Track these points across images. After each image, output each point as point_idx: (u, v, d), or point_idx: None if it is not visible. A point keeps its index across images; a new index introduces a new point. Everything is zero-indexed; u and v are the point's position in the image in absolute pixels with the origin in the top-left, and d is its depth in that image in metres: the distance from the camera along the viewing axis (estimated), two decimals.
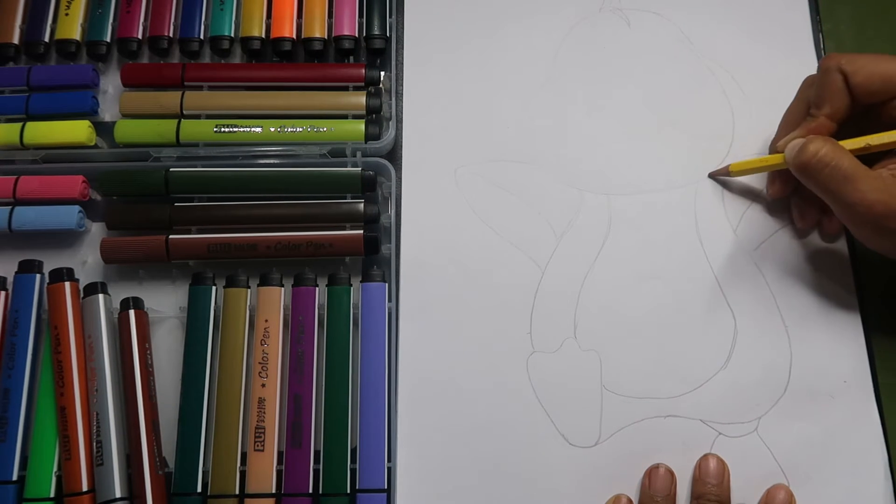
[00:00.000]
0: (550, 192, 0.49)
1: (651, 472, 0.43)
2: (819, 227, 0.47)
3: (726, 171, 0.48)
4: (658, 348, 0.45)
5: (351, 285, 0.45)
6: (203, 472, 0.42)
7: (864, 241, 0.42)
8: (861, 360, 0.45)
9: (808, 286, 0.47)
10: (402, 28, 0.53)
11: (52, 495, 0.42)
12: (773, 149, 0.47)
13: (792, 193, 0.47)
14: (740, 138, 0.50)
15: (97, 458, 0.42)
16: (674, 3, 0.53)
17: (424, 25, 0.53)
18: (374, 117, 0.50)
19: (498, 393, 0.45)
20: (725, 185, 0.49)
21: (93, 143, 0.50)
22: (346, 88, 0.51)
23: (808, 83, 0.46)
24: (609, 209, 0.49)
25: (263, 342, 0.44)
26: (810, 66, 0.51)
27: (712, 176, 0.49)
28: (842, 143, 0.41)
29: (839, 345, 0.45)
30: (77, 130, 0.49)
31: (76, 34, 0.52)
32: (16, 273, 0.46)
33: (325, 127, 0.49)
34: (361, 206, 0.47)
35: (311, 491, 0.42)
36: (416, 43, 0.53)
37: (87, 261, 0.48)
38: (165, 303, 0.47)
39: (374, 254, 0.47)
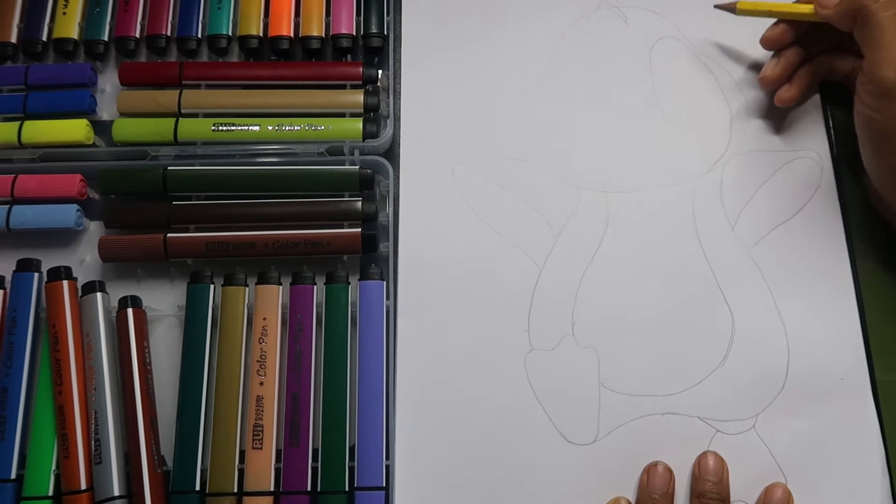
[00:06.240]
0: (548, 190, 0.49)
1: (649, 470, 0.43)
2: (780, 93, 0.48)
3: (733, 8, 0.49)
4: (656, 346, 0.46)
5: (349, 283, 0.45)
6: (201, 470, 0.42)
7: (871, 92, 0.41)
8: (858, 358, 0.45)
9: (805, 284, 0.47)
10: (400, 26, 0.53)
11: (50, 493, 0.42)
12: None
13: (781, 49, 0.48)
14: (738, 134, 0.50)
15: (95, 457, 0.42)
16: (671, 1, 0.53)
17: (422, 24, 0.53)
18: (372, 115, 0.50)
19: (496, 391, 0.45)
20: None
21: (91, 142, 0.50)
22: (343, 87, 0.51)
23: None
24: (607, 207, 0.49)
25: (261, 340, 0.44)
26: None
27: (718, 6, 0.50)
28: None
29: (837, 342, 0.45)
30: (75, 129, 0.49)
31: (74, 33, 0.52)
32: (14, 272, 0.46)
33: (322, 125, 0.49)
34: (359, 204, 0.47)
35: (309, 489, 0.42)
36: (413, 41, 0.53)
37: (85, 259, 0.48)
38: (163, 301, 0.47)
39: (373, 252, 0.47)
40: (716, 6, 0.50)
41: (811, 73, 0.48)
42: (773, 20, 0.48)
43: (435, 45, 0.53)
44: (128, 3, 0.53)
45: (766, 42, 0.48)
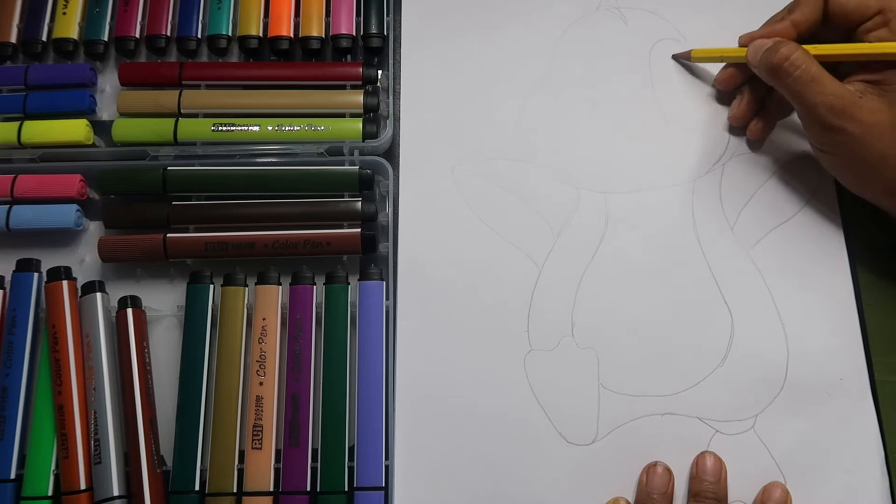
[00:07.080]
0: (548, 191, 0.49)
1: (649, 470, 0.43)
2: (749, 127, 0.49)
3: (688, 56, 0.50)
4: (655, 346, 0.46)
5: (348, 283, 0.45)
6: (201, 470, 0.42)
7: (815, 142, 0.44)
8: (858, 358, 0.45)
9: (805, 284, 0.47)
10: (400, 26, 0.53)
11: (49, 494, 0.42)
12: (741, 42, 0.48)
13: (741, 87, 0.49)
14: (737, 135, 0.50)
15: (95, 457, 0.42)
16: (670, 2, 0.53)
17: (422, 24, 0.53)
18: (372, 116, 0.50)
19: (495, 391, 0.45)
20: (689, 70, 0.51)
21: (90, 142, 0.50)
22: (343, 87, 0.51)
23: None
24: (606, 207, 0.49)
25: (261, 340, 0.44)
26: None
27: (675, 57, 0.51)
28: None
29: (836, 342, 0.45)
30: (75, 129, 0.49)
31: (74, 33, 0.52)
32: (13, 272, 0.46)
33: (322, 125, 0.49)
34: (359, 204, 0.47)
35: (308, 489, 0.42)
36: (413, 41, 0.53)
37: (84, 259, 0.49)
38: (163, 301, 0.47)
39: (372, 252, 0.47)
40: (673, 56, 0.52)
41: (779, 106, 0.49)
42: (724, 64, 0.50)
43: (435, 45, 0.53)
44: (128, 3, 0.53)
45: (718, 84, 0.50)
